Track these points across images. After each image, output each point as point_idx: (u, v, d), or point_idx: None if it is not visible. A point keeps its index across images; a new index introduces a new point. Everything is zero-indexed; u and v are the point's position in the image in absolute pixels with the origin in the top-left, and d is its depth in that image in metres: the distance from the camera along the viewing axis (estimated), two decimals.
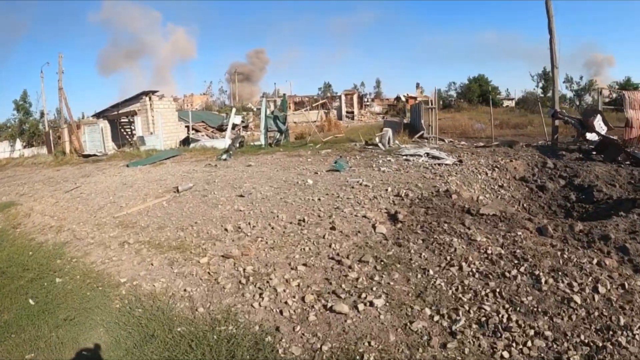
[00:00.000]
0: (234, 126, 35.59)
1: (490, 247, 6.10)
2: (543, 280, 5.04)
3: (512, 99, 46.78)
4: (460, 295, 4.92)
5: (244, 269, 5.80)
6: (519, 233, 6.52)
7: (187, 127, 32.26)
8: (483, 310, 4.59)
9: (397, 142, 16.04)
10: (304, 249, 6.24)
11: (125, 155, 20.65)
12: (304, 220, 7.28)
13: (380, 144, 15.12)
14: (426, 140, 19.68)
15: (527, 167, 11.56)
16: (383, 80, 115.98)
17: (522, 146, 15.00)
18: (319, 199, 8.59)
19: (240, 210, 8.38)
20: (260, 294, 5.20)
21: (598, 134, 13.95)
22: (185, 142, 24.96)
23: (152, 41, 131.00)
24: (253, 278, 5.61)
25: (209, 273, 5.91)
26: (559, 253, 5.68)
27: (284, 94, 21.10)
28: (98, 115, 28.03)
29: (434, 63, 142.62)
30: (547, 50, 15.67)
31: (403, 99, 48.58)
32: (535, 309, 4.54)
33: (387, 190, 8.98)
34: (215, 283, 5.63)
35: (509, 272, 5.47)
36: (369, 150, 14.88)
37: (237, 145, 18.96)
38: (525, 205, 10.32)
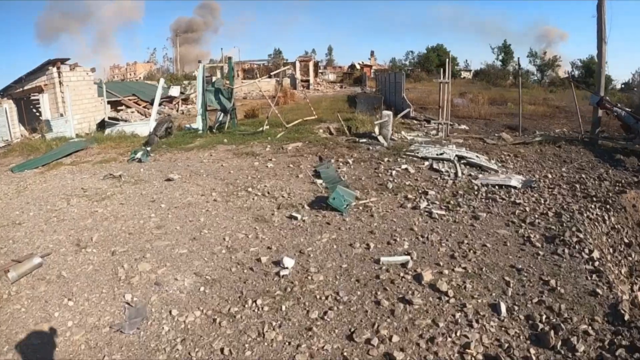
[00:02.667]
0: (172, 99, 27.79)
1: None
2: None
3: (469, 70, 42.19)
4: None
5: None
6: None
7: (116, 101, 24.23)
8: None
9: (402, 133, 10.16)
10: None
11: (24, 148, 13.01)
12: None
13: (381, 137, 9.15)
14: (418, 124, 14.03)
15: None
16: (335, 48, 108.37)
17: (565, 144, 9.84)
18: None
19: None
20: None
21: None
22: (103, 125, 17.52)
23: (95, 3, 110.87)
24: None
25: None
26: None
27: (230, 59, 14.20)
28: (2, 94, 19.37)
29: (388, 32, 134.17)
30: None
31: (358, 67, 42.50)
32: None
33: (501, 316, 3.19)
34: None
35: None
36: (363, 147, 8.94)
37: (163, 132, 12.15)
38: None
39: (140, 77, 59.75)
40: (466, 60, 46.53)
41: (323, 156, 8.41)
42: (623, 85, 33.42)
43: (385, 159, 7.96)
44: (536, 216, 5.32)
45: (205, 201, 6.14)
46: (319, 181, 6.76)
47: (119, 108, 24.99)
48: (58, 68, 17.37)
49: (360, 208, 5.45)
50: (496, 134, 11.06)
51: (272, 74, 22.07)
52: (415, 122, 14.43)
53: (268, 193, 6.30)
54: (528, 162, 8.26)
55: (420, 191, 6.21)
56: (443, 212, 5.23)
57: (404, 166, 7.40)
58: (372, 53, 46.19)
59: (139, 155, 9.92)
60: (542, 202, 5.90)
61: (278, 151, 9.21)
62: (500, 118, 16.73)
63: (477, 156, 7.98)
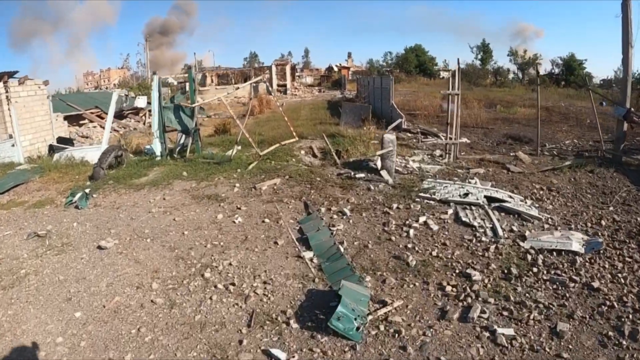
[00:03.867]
0: (138, 111, 24.99)
1: None
2: None
3: (448, 70, 40.79)
4: None
5: None
6: None
7: (78, 115, 21.34)
8: None
9: (409, 162, 8.09)
10: None
11: None
12: None
13: (384, 172, 7.08)
14: (414, 137, 12.09)
15: None
16: (311, 50, 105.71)
17: (595, 166, 8.14)
18: None
19: None
20: None
21: None
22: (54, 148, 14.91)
23: (67, 5, 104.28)
24: None
25: None
26: None
27: (190, 69, 11.80)
28: None
29: (365, 33, 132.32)
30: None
31: (336, 69, 40.47)
32: None
33: None
34: None
35: None
36: (361, 185, 6.86)
37: (113, 160, 9.77)
38: None
39: (114, 84, 55.71)
40: (445, 60, 45.17)
41: (309, 202, 6.28)
42: (602, 82, 33.11)
43: (394, 206, 5.90)
44: (629, 316, 3.39)
45: (140, 304, 3.92)
46: (308, 255, 4.63)
47: (81, 122, 22.04)
48: (5, 82, 14.55)
49: (381, 327, 3.35)
50: (511, 153, 9.20)
51: (244, 85, 19.72)
52: (409, 135, 12.49)
53: (233, 285, 4.13)
54: (567, 199, 6.38)
55: (457, 271, 4.18)
56: (511, 332, 3.18)
57: (422, 219, 5.36)
58: (349, 54, 44.36)
59: (77, 198, 7.61)
60: (622, 279, 3.99)
61: (249, 193, 7.01)
62: (497, 125, 15.01)
63: (509, 196, 6.04)
